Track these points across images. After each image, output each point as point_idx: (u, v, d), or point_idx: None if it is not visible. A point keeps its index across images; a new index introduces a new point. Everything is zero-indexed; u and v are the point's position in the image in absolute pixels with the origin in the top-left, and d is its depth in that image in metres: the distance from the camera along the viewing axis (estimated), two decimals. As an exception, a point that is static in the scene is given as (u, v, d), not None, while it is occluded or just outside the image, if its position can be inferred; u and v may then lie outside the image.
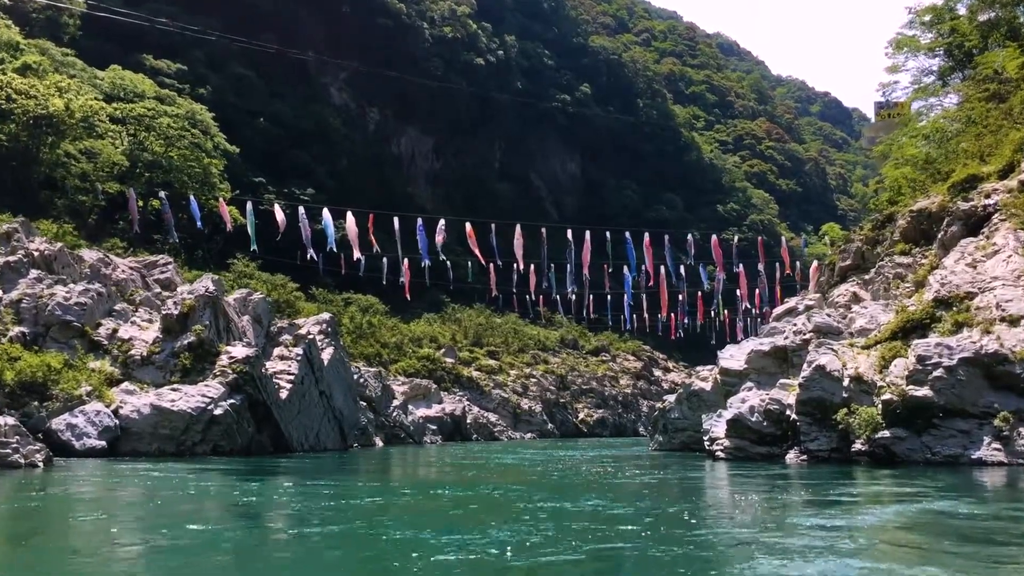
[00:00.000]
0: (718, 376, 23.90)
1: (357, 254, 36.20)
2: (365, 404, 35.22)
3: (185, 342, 22.11)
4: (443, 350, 50.68)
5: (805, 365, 19.00)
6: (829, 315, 21.69)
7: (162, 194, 37.26)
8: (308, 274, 47.42)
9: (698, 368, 30.68)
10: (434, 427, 40.10)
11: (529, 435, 47.05)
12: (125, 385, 21.10)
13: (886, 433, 17.14)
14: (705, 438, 21.56)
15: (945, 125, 34.08)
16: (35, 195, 36.50)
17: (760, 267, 49.96)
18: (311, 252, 36.29)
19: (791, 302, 28.04)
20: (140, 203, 39.40)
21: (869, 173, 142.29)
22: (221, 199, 39.44)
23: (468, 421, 43.29)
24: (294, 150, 62.43)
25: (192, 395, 20.77)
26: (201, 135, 46.44)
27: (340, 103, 77.73)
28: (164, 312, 23.00)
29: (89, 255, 26.56)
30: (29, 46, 44.06)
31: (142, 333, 22.61)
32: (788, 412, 19.33)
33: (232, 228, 38.93)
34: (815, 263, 49.18)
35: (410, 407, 39.91)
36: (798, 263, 51.09)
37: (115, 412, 20.22)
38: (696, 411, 26.68)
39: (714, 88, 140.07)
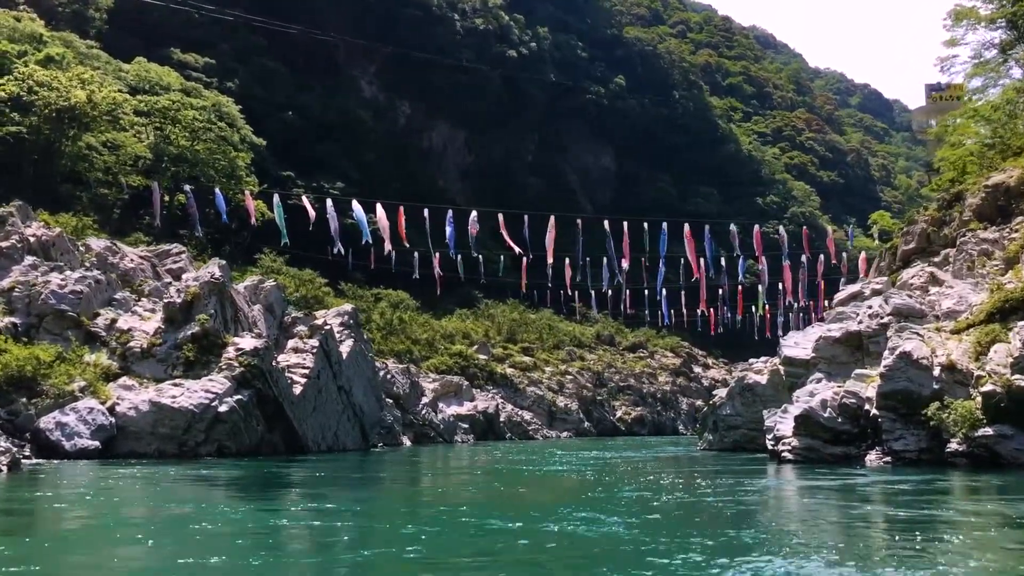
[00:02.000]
0: (780, 367, 21.42)
1: (388, 247, 35.10)
2: (392, 402, 33.40)
3: (188, 333, 20.20)
4: (476, 347, 48.77)
5: (886, 352, 16.45)
6: (910, 296, 19.03)
7: (188, 188, 36.06)
8: (337, 269, 46.11)
9: (751, 360, 28.19)
10: (466, 426, 38.15)
11: (565, 434, 44.92)
12: (123, 380, 19.26)
13: (988, 431, 14.63)
14: (768, 437, 19.04)
15: (1014, 96, 31.99)
16: (57, 188, 35.45)
17: (803, 259, 47.92)
18: (339, 246, 35.04)
19: (854, 287, 25.35)
20: (166, 197, 38.38)
21: (912, 164, 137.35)
22: (248, 193, 38.13)
23: (501, 419, 41.31)
24: (322, 143, 61.11)
25: (195, 391, 18.86)
26: (227, 128, 45.39)
27: (370, 96, 76.23)
28: (166, 300, 21.13)
29: (96, 243, 25.12)
30: (53, 39, 43.19)
31: (143, 324, 20.78)
32: (867, 407, 16.80)
33: (258, 222, 37.80)
34: (862, 253, 46.70)
35: (441, 405, 38.00)
36: (844, 255, 48.84)
37: (111, 409, 18.40)
38: (750, 407, 24.33)
39: (752, 79, 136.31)
